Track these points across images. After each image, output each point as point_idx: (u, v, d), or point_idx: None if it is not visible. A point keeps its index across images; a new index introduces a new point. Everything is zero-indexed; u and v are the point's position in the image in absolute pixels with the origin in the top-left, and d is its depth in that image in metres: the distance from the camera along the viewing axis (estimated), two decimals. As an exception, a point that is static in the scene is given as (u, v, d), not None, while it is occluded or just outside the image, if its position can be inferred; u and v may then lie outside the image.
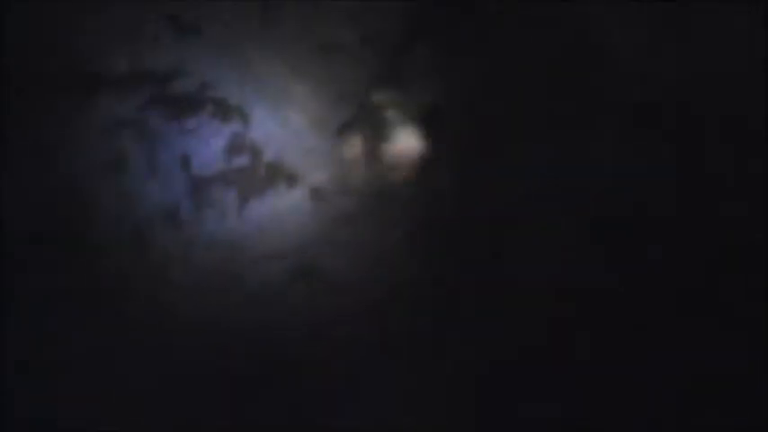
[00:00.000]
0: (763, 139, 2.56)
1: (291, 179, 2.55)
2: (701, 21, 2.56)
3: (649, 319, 2.53)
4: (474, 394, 2.54)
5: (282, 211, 2.54)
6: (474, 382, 2.55)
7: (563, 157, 2.57)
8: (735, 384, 2.47)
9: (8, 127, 2.34)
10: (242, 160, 2.50)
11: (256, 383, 2.48)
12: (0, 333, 2.33)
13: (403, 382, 2.52)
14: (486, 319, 2.56)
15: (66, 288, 2.38)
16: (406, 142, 2.58)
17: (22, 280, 2.37)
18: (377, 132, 2.58)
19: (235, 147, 2.49)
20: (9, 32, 2.32)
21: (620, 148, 2.57)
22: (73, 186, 2.37)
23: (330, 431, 2.47)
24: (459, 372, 2.55)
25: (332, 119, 2.56)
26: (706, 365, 2.48)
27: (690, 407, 2.47)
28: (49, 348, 2.36)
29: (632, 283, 2.53)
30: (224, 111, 2.48)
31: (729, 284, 2.51)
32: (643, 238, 2.55)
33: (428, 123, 2.58)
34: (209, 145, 2.47)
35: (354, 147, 2.58)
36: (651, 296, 2.53)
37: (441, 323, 2.57)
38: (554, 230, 2.58)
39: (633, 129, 2.57)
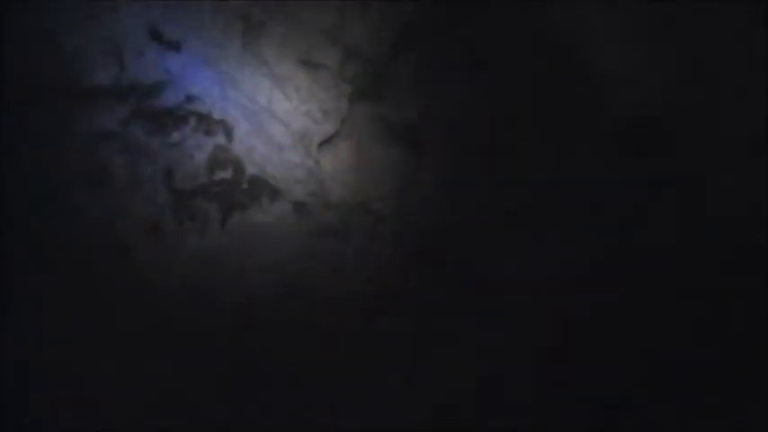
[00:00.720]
0: (763, 140, 2.52)
1: (274, 193, 2.55)
2: (701, 21, 2.51)
3: (649, 318, 2.50)
4: (452, 397, 2.53)
5: (265, 224, 2.54)
6: (456, 383, 2.53)
7: (549, 169, 2.55)
8: (734, 384, 2.40)
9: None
10: (225, 174, 2.52)
11: (243, 389, 2.48)
12: (0, 333, 2.35)
13: (386, 389, 2.51)
14: (468, 324, 2.53)
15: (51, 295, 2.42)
16: (389, 157, 2.58)
17: (22, 280, 2.40)
18: (359, 147, 2.58)
19: (218, 160, 2.51)
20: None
21: (616, 148, 2.54)
22: (56, 198, 2.43)
23: None
24: (443, 375, 2.54)
25: (315, 134, 2.57)
26: (706, 365, 2.42)
27: (689, 407, 2.41)
28: (49, 348, 2.40)
29: (632, 283, 2.51)
30: (207, 125, 2.50)
31: (729, 284, 2.46)
32: (644, 238, 2.53)
33: (410, 138, 2.57)
34: (192, 158, 2.49)
35: (337, 161, 2.58)
36: (651, 296, 2.50)
37: (424, 331, 2.53)
38: (540, 240, 2.54)
39: (632, 130, 2.53)
